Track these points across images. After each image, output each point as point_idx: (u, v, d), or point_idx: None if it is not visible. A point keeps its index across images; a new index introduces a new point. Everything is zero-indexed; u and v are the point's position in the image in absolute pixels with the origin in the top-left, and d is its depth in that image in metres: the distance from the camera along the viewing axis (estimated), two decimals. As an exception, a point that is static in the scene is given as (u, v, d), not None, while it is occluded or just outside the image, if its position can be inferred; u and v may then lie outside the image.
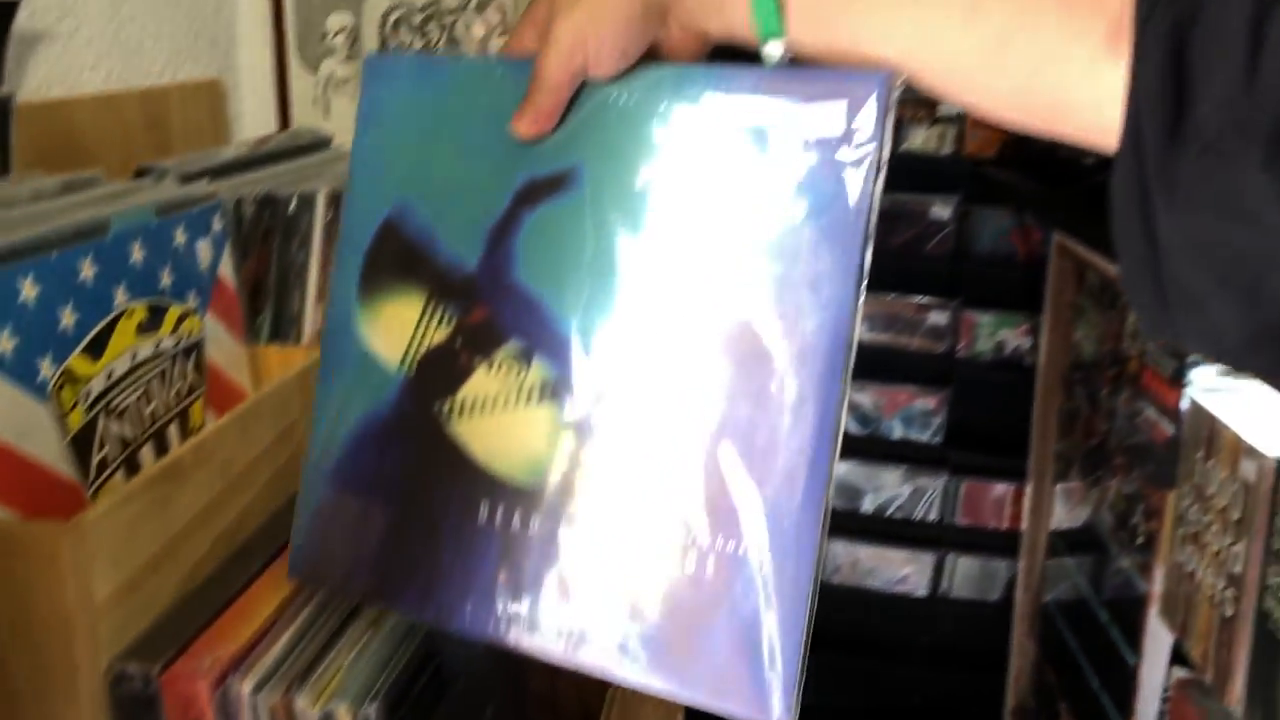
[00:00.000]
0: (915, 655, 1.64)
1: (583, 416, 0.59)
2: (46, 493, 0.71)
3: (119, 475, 0.78)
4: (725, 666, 0.56)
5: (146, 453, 0.81)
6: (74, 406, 0.73)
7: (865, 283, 0.54)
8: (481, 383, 0.62)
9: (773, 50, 0.55)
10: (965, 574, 1.60)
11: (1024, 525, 1.52)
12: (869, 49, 0.53)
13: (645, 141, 0.58)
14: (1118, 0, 0.44)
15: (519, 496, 0.61)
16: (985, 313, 1.53)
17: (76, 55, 1.10)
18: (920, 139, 1.54)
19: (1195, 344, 0.46)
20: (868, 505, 1.59)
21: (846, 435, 1.56)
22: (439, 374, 0.63)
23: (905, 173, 1.53)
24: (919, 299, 1.52)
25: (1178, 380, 1.03)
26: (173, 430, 0.84)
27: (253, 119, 1.43)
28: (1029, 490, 1.51)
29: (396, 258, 0.64)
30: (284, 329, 1.00)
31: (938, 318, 1.52)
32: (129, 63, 1.19)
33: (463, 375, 0.62)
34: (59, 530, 0.62)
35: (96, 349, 0.75)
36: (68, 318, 0.73)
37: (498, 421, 0.61)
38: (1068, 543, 1.41)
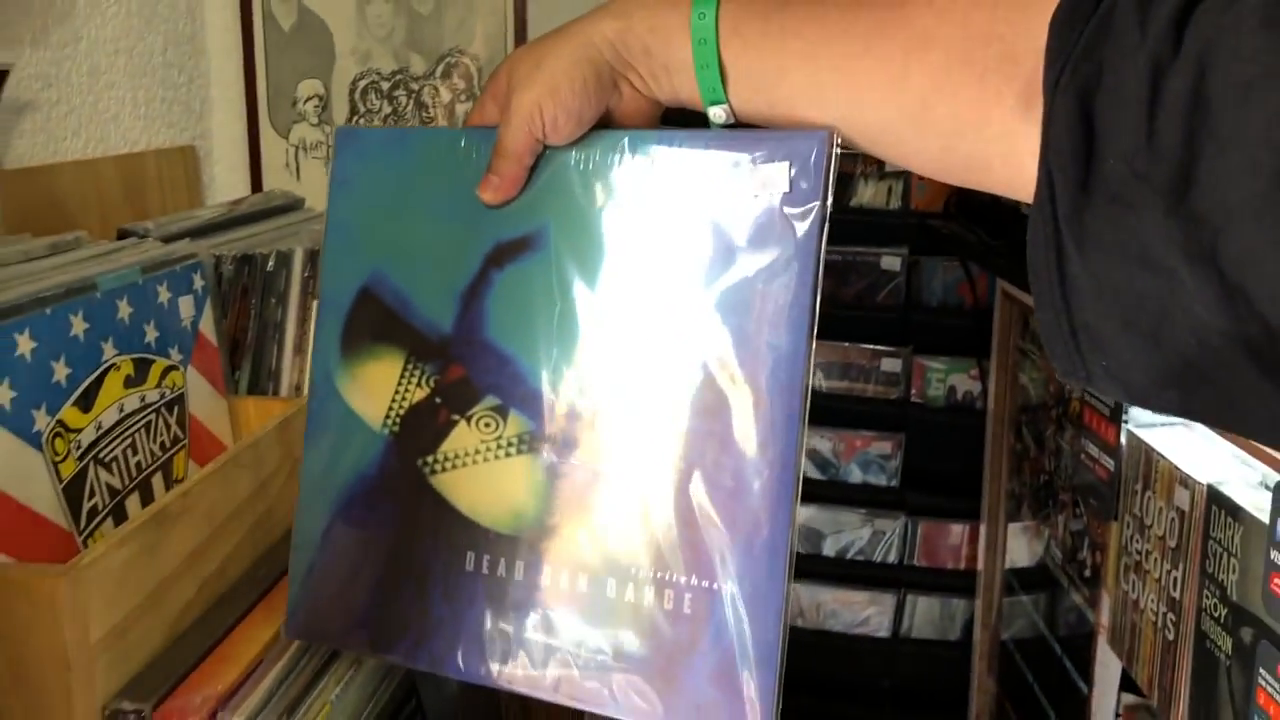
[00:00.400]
0: (879, 696, 1.67)
1: (558, 465, 0.63)
2: (40, 539, 0.74)
3: (108, 523, 0.81)
4: (705, 698, 0.59)
5: (133, 502, 0.84)
6: (66, 456, 0.76)
7: (815, 329, 0.58)
8: (462, 438, 0.65)
9: (717, 115, 0.60)
10: (925, 614, 1.64)
11: (980, 564, 1.57)
12: (805, 114, 0.58)
13: (605, 202, 0.62)
14: (1027, 67, 0.48)
15: (502, 543, 0.64)
16: (936, 359, 1.59)
17: (58, 124, 1.14)
18: (869, 194, 1.60)
19: (1105, 386, 0.48)
20: (829, 549, 1.63)
21: (807, 480, 1.63)
22: (421, 431, 0.66)
23: (855, 226, 1.59)
24: (872, 347, 1.58)
25: (1116, 417, 1.09)
26: (158, 480, 0.87)
27: (225, 183, 1.47)
28: (983, 530, 1.56)
29: (375, 322, 0.67)
30: (262, 382, 1.03)
31: (891, 365, 1.58)
32: (107, 130, 1.23)
33: (443, 432, 0.65)
34: (58, 573, 0.65)
35: (87, 401, 0.79)
36: (60, 371, 0.76)
37: (479, 473, 0.65)
38: (1022, 580, 1.46)
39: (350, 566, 0.68)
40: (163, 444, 0.88)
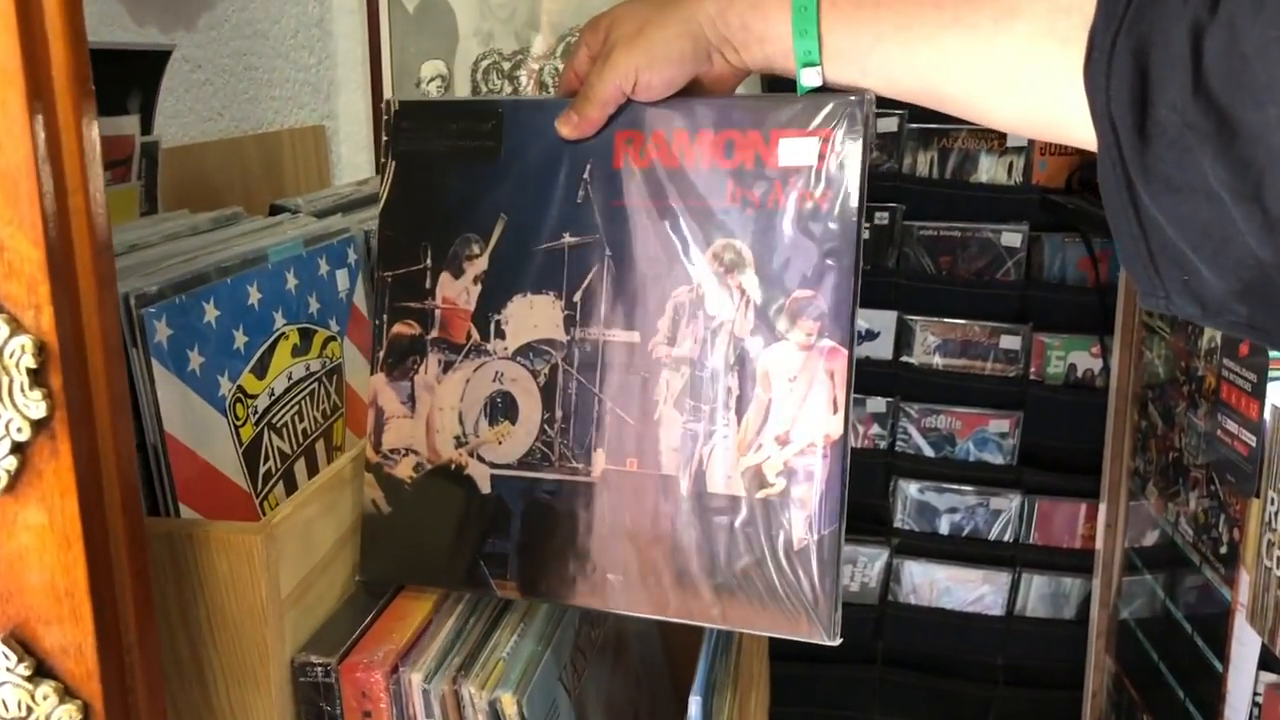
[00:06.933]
0: (992, 674, 1.67)
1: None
2: (226, 499, 0.77)
3: (280, 487, 0.84)
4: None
5: (300, 468, 0.87)
6: (245, 420, 0.79)
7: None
8: None
9: (810, 77, 0.64)
10: (1040, 593, 1.63)
11: (1098, 544, 1.55)
12: (897, 81, 0.62)
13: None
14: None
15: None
16: (1056, 336, 1.57)
17: (204, 104, 1.18)
18: (989, 170, 1.59)
19: (1181, 304, 0.53)
20: (944, 526, 1.63)
21: (923, 459, 1.65)
22: None
23: (976, 203, 1.57)
24: (992, 324, 1.57)
25: (1259, 392, 1.07)
26: (320, 447, 0.90)
27: (350, 162, 1.51)
28: (1103, 508, 1.54)
29: None
30: (406, 355, 1.05)
31: (1010, 342, 1.56)
32: (246, 111, 1.26)
33: None
34: (255, 530, 0.68)
35: (261, 368, 0.82)
36: (239, 339, 0.79)
37: None
38: (1145, 558, 1.44)
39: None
40: (324, 412, 0.91)
